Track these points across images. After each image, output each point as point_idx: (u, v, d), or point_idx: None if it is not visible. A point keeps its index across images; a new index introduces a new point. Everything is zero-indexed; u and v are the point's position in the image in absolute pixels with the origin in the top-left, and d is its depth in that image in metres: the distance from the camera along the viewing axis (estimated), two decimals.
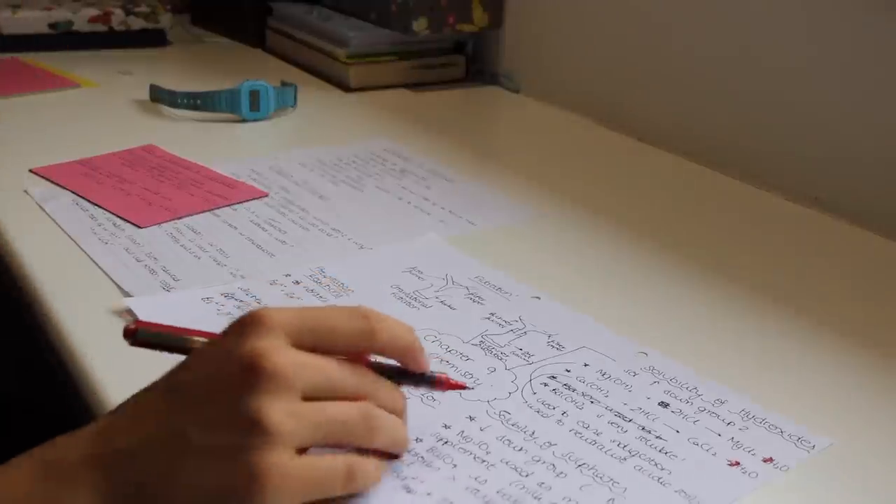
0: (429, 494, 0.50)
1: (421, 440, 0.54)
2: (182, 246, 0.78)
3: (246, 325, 0.46)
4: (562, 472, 0.52)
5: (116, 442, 0.45)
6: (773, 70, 0.95)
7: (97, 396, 0.59)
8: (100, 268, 0.74)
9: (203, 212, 0.85)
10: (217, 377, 0.45)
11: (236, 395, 0.44)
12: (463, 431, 0.55)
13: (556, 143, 1.11)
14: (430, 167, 0.98)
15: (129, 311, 0.67)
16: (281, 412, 0.43)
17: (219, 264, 0.75)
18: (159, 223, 0.82)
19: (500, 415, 0.57)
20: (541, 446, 0.54)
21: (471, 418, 0.56)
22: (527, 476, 0.51)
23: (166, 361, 0.48)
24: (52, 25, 1.37)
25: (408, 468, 0.51)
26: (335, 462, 0.46)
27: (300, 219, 0.85)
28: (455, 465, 0.52)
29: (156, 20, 1.42)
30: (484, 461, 0.52)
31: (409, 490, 0.50)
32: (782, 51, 0.94)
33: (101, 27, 1.39)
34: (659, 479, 0.51)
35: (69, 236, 0.79)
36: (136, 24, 1.41)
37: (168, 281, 0.72)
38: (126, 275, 0.73)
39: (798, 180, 0.92)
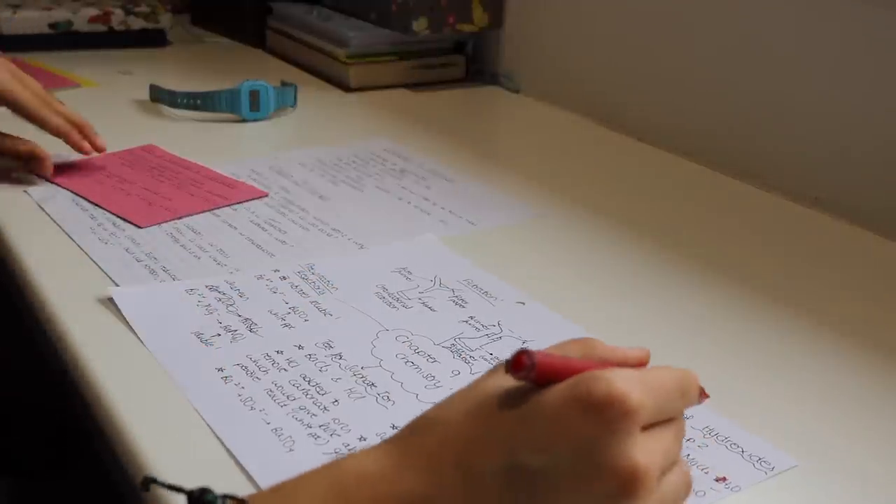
0: None
1: (365, 440, 0.54)
2: (182, 246, 0.78)
3: (612, 415, 0.41)
4: None
5: None
6: (773, 70, 0.95)
7: (96, 394, 0.59)
8: (100, 268, 0.74)
9: (203, 212, 0.85)
10: (587, 481, 0.41)
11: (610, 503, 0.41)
12: None
13: (555, 143, 1.11)
14: (429, 167, 0.98)
15: (118, 303, 0.66)
16: None
17: (219, 264, 0.75)
18: (159, 223, 0.82)
19: None
20: None
21: None
22: None
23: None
24: (52, 25, 1.37)
25: None
26: None
27: (300, 219, 0.85)
28: None
29: (156, 20, 1.42)
30: None
31: None
32: (782, 51, 0.94)
33: (101, 27, 1.39)
34: None
35: (69, 236, 0.79)
36: (136, 24, 1.41)
37: (168, 281, 0.72)
38: (126, 274, 0.73)
39: (798, 180, 0.93)
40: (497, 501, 0.41)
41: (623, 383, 0.41)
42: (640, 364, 0.47)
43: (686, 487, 0.45)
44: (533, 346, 0.63)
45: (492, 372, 0.45)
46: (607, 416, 0.40)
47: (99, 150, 0.92)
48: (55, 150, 0.97)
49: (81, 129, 0.91)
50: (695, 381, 0.45)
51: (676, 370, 0.45)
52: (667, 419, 0.44)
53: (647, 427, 0.42)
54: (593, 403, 0.41)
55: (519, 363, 0.42)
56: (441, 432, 0.43)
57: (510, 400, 0.42)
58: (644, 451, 0.41)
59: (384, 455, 0.43)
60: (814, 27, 0.91)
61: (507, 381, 0.43)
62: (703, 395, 0.46)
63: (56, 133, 0.89)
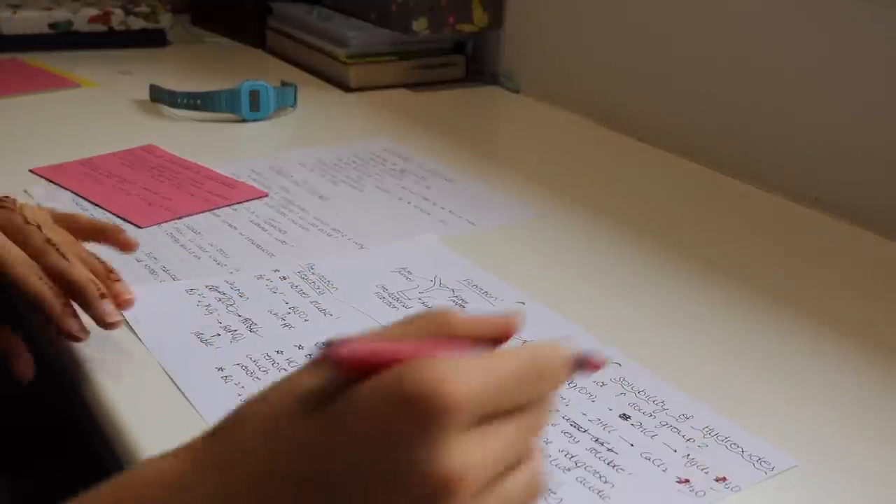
0: None
1: None
2: (182, 246, 0.78)
3: (426, 416, 0.35)
4: None
5: None
6: (773, 70, 0.95)
7: (96, 394, 0.59)
8: None
9: (203, 212, 0.85)
10: (391, 488, 0.35)
11: None
12: None
13: (555, 143, 1.11)
14: (429, 167, 0.98)
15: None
16: None
17: (219, 264, 0.75)
18: (159, 223, 0.82)
19: None
20: None
21: None
22: None
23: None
24: (52, 25, 1.37)
25: None
26: None
27: (300, 219, 0.85)
28: None
29: (156, 20, 1.42)
30: None
31: None
32: (782, 51, 0.94)
33: (101, 27, 1.39)
34: (600, 492, 0.51)
35: None
36: (136, 24, 1.41)
37: (168, 281, 0.72)
38: (126, 274, 0.72)
39: (798, 180, 0.93)
40: None
41: (442, 372, 0.35)
42: (502, 337, 0.40)
43: (535, 488, 0.39)
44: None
45: (311, 363, 0.38)
46: (419, 413, 0.34)
47: (104, 321, 0.62)
48: (56, 149, 0.97)
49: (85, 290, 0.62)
50: (554, 357, 0.38)
51: (528, 349, 0.38)
52: (512, 410, 0.37)
53: (483, 422, 0.36)
54: (404, 399, 0.35)
55: (326, 355, 0.36)
56: (248, 430, 0.38)
57: (321, 397, 0.37)
58: (465, 453, 0.35)
59: (186, 456, 0.38)
60: (814, 27, 0.91)
61: (324, 374, 0.37)
62: (589, 366, 0.39)
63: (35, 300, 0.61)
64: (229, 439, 0.38)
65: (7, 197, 0.65)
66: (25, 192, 0.87)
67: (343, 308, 0.69)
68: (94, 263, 0.65)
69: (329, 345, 0.36)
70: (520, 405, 0.37)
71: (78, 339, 0.61)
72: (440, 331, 0.39)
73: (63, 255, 0.62)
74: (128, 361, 0.62)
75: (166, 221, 0.83)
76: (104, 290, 0.62)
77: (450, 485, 0.34)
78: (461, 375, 0.35)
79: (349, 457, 0.35)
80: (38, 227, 0.63)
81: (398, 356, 0.36)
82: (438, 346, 0.38)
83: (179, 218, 0.83)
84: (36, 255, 0.61)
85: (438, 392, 0.34)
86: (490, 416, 0.36)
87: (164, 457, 0.39)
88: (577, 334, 0.66)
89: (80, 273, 0.61)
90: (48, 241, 0.62)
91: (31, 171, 0.92)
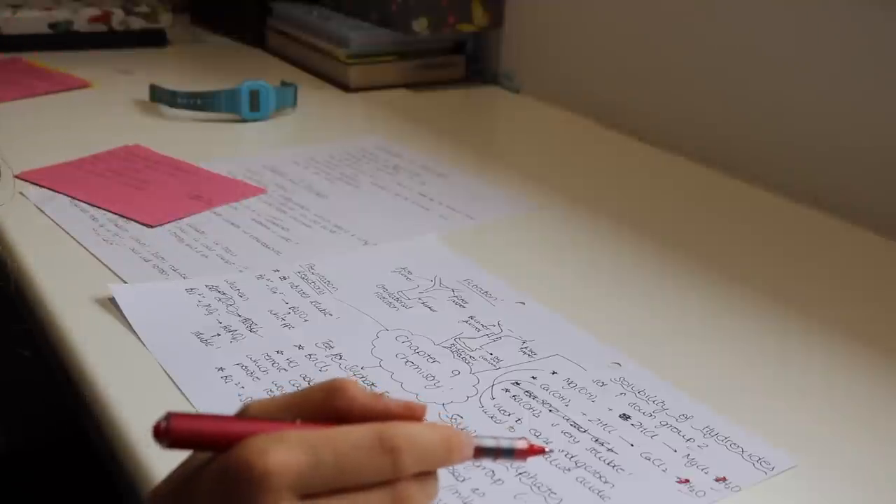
0: None
1: None
2: (188, 245, 0.78)
3: (252, 487, 0.35)
4: (499, 479, 0.51)
5: None
6: (774, 70, 0.95)
7: (96, 394, 0.59)
8: (109, 268, 0.74)
9: (203, 211, 0.85)
10: None
11: None
12: None
13: (555, 142, 1.11)
14: (421, 163, 0.98)
15: (115, 304, 0.66)
16: None
17: (226, 262, 0.76)
18: (167, 222, 0.82)
19: (451, 418, 0.57)
20: None
21: None
22: (463, 481, 0.51)
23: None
24: (52, 25, 1.37)
25: None
26: None
27: (301, 216, 0.85)
28: None
29: (156, 20, 1.42)
30: None
31: None
32: (782, 51, 0.94)
33: (101, 27, 1.39)
34: (599, 492, 0.51)
35: (75, 239, 0.79)
36: (136, 24, 1.41)
37: (179, 280, 0.72)
38: (136, 275, 0.73)
39: (798, 180, 0.93)
40: None
41: (264, 445, 0.35)
42: (391, 417, 0.39)
43: None
44: (531, 346, 0.64)
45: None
46: (244, 484, 0.35)
47: None
48: (55, 150, 0.97)
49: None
50: (410, 433, 0.37)
51: (374, 426, 0.37)
52: (350, 486, 0.36)
53: (315, 496, 0.36)
54: (233, 472, 0.36)
55: (157, 429, 0.37)
56: None
57: (191, 479, 0.38)
58: None
59: None
60: (814, 27, 0.91)
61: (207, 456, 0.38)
62: (524, 453, 0.40)
63: None
64: None
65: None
66: (21, 194, 0.87)
67: (343, 308, 0.69)
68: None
69: (165, 418, 0.38)
70: (360, 482, 0.37)
71: None
72: (328, 404, 0.39)
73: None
74: (128, 361, 0.62)
75: (171, 221, 0.82)
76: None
77: None
78: (283, 446, 0.35)
79: None
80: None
81: (241, 430, 0.38)
82: (271, 423, 0.38)
83: (180, 218, 0.83)
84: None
85: (260, 462, 0.35)
86: (321, 489, 0.36)
87: None
88: (576, 334, 0.66)
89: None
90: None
91: (15, 176, 0.90)
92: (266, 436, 0.36)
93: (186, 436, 0.38)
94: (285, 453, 0.35)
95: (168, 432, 0.37)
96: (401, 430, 0.37)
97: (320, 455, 0.36)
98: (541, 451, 0.42)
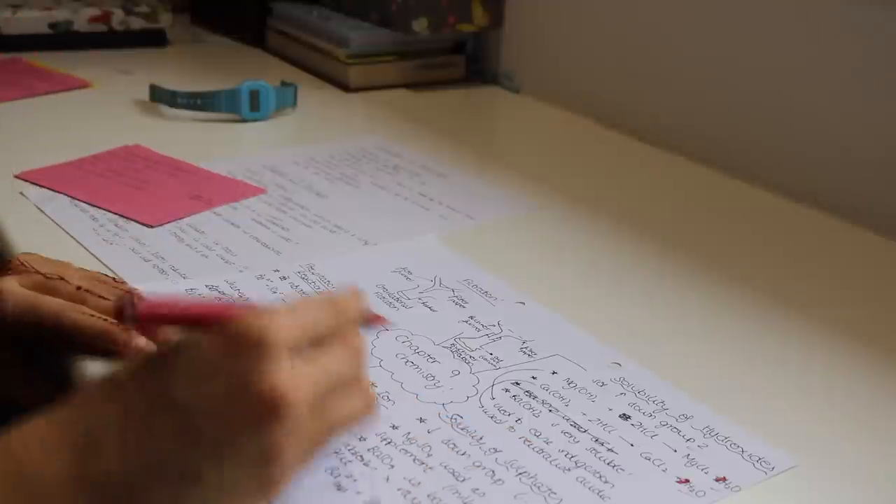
0: (359, 493, 0.50)
1: (364, 439, 0.54)
2: (188, 245, 0.78)
3: (252, 347, 0.42)
4: (499, 480, 0.51)
5: (107, 463, 0.42)
6: (774, 70, 0.95)
7: None
8: (109, 269, 0.74)
9: (203, 211, 0.85)
10: (233, 412, 0.42)
11: (254, 432, 0.42)
12: (409, 433, 0.55)
13: (556, 143, 1.11)
14: (421, 163, 0.98)
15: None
16: (298, 444, 0.43)
17: (227, 262, 0.76)
18: (167, 222, 0.82)
19: (451, 418, 0.57)
20: (485, 452, 0.54)
21: (421, 420, 0.56)
22: (463, 481, 0.51)
23: None
24: (52, 25, 1.37)
25: (344, 466, 0.52)
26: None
27: (301, 216, 0.85)
28: (392, 466, 0.52)
29: (156, 20, 1.42)
30: (423, 463, 0.52)
31: (339, 488, 0.50)
32: (782, 51, 0.94)
33: (101, 27, 1.39)
34: (600, 492, 0.51)
35: (75, 239, 0.79)
36: (136, 24, 1.41)
37: (179, 281, 0.72)
38: (136, 275, 0.72)
39: (798, 180, 0.93)
40: (152, 435, 0.42)
41: (261, 318, 0.43)
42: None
43: (363, 408, 0.47)
44: (531, 346, 0.64)
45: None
46: (241, 345, 0.42)
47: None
48: (55, 150, 0.97)
49: None
50: (347, 297, 0.48)
51: (325, 295, 0.48)
52: (323, 340, 0.46)
53: (301, 352, 0.44)
54: (233, 338, 0.43)
55: (123, 308, 0.46)
56: (113, 380, 0.45)
57: (175, 347, 0.44)
58: (287, 377, 0.42)
59: (56, 413, 0.44)
60: (814, 27, 0.91)
61: (184, 335, 0.46)
62: (376, 319, 0.50)
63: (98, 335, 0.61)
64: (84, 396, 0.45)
65: (10, 261, 0.64)
66: (21, 194, 0.87)
67: None
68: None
69: (126, 301, 0.45)
70: (329, 336, 0.46)
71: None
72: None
73: (101, 296, 0.62)
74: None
75: (172, 221, 0.83)
76: None
77: (275, 398, 0.42)
78: (272, 313, 0.44)
79: (192, 386, 0.43)
80: (61, 278, 0.62)
81: (202, 310, 0.46)
82: (239, 306, 0.46)
83: (180, 218, 0.83)
84: (74, 302, 0.61)
85: (262, 330, 0.42)
86: (305, 346, 0.44)
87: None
88: (576, 334, 0.66)
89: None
90: (79, 288, 0.62)
91: (15, 176, 0.90)
92: (256, 310, 0.44)
93: (155, 314, 0.46)
94: (274, 317, 0.43)
95: (134, 308, 0.45)
96: (342, 299, 0.48)
97: (300, 319, 0.45)
98: (381, 321, 0.51)
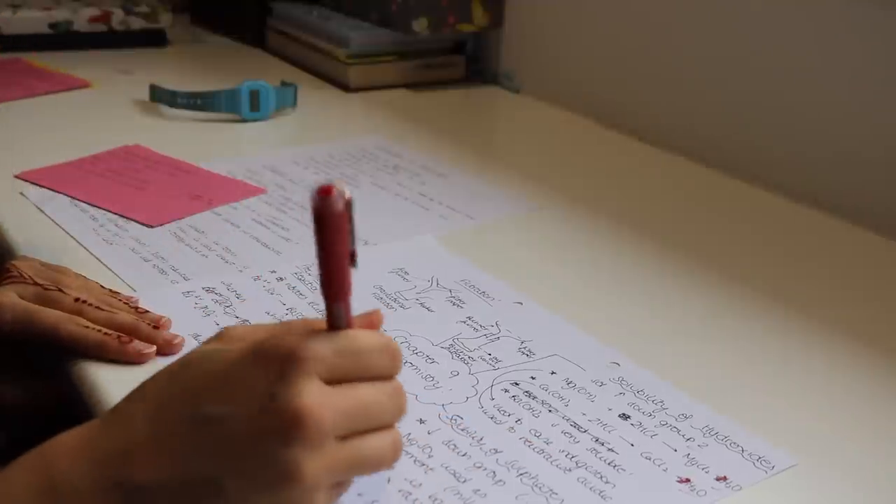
0: (360, 495, 0.50)
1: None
2: (188, 245, 0.78)
3: (284, 365, 0.43)
4: (500, 480, 0.51)
5: (138, 475, 0.44)
6: (774, 70, 0.95)
7: (96, 396, 0.59)
8: (109, 269, 0.74)
9: (203, 211, 0.85)
10: (258, 425, 0.43)
11: (278, 447, 0.42)
12: (410, 434, 0.55)
13: (556, 143, 1.11)
14: (421, 163, 0.98)
15: None
16: (320, 467, 0.43)
17: (227, 262, 0.76)
18: (167, 223, 0.82)
19: (451, 419, 0.57)
20: (486, 453, 0.54)
21: (421, 421, 0.56)
22: (464, 482, 0.51)
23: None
24: (52, 25, 1.37)
25: None
26: None
27: (301, 216, 0.85)
28: (393, 467, 0.52)
29: (156, 20, 1.42)
30: (423, 465, 0.53)
31: None
32: (783, 51, 0.94)
33: (101, 27, 1.39)
34: (601, 492, 0.51)
35: (75, 239, 0.79)
36: (136, 24, 1.41)
37: (179, 280, 0.72)
38: (137, 276, 0.73)
39: (798, 180, 0.93)
40: (181, 447, 0.44)
41: (296, 336, 0.45)
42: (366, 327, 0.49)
43: (391, 454, 0.46)
44: (529, 346, 0.64)
45: (204, 343, 0.49)
46: (277, 363, 0.43)
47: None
48: (54, 150, 0.97)
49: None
50: (398, 349, 0.48)
51: (378, 334, 0.48)
52: (365, 378, 0.46)
53: (335, 382, 0.44)
54: (264, 354, 0.44)
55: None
56: (142, 393, 0.47)
57: (202, 360, 0.46)
58: (316, 397, 0.43)
59: (86, 428, 0.46)
60: (814, 27, 0.91)
61: (209, 347, 0.48)
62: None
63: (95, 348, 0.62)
64: (121, 409, 0.47)
65: (9, 269, 0.65)
66: (21, 194, 0.87)
67: None
68: (122, 305, 0.66)
69: None
70: (373, 376, 0.46)
71: (146, 358, 0.61)
72: (309, 325, 0.49)
73: (98, 307, 0.63)
74: (126, 365, 0.62)
75: (172, 221, 0.82)
76: (152, 322, 0.64)
77: (301, 416, 0.42)
78: (314, 338, 0.45)
79: (223, 399, 0.44)
80: (59, 289, 0.64)
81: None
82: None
83: (183, 217, 0.83)
84: (72, 313, 0.63)
85: (294, 346, 0.44)
86: (342, 375, 0.45)
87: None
88: (574, 334, 0.66)
89: (125, 318, 0.63)
90: (76, 300, 0.63)
91: (15, 176, 0.90)
92: (302, 330, 0.46)
93: None
94: (319, 344, 0.44)
95: None
96: (394, 347, 0.48)
97: (341, 347, 0.45)
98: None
